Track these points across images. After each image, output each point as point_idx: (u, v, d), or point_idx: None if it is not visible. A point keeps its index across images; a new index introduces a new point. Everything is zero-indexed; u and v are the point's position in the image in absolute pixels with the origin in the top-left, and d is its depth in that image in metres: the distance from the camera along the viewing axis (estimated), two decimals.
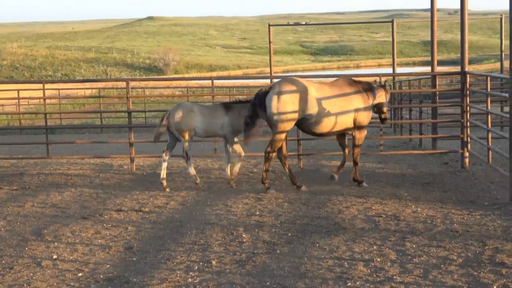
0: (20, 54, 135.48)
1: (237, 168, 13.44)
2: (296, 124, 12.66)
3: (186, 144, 13.03)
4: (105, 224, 10.22)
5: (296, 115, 12.39)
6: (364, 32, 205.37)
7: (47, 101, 23.41)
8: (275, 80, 14.79)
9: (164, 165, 13.21)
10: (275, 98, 12.28)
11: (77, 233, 9.72)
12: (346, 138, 13.71)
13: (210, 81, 20.43)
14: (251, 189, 12.93)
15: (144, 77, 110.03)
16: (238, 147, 13.32)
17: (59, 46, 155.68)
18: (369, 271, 7.61)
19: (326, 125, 12.68)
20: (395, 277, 7.41)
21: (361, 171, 14.89)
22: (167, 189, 13.04)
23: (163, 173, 13.22)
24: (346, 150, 13.79)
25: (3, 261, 8.31)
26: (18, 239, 9.43)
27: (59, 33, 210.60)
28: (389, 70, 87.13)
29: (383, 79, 14.74)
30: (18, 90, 33.32)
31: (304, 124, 12.64)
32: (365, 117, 13.21)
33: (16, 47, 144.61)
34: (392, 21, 30.18)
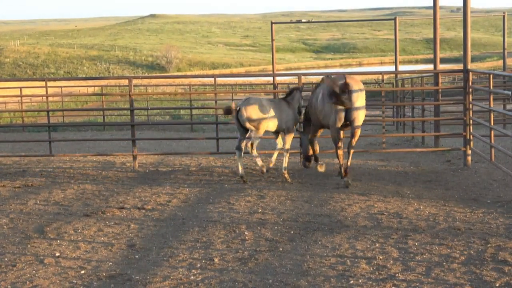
0: (22, 51, 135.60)
1: (286, 161, 13.73)
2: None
3: (257, 140, 13.23)
4: (107, 222, 10.23)
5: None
6: (367, 30, 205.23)
7: (50, 98, 23.29)
8: (278, 78, 14.91)
9: (241, 160, 13.39)
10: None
11: (79, 230, 9.73)
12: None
13: (212, 78, 20.42)
14: (253, 186, 12.93)
15: (146, 74, 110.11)
16: (289, 141, 13.70)
17: (61, 43, 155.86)
18: (371, 269, 7.62)
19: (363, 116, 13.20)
20: (397, 275, 7.41)
21: (363, 169, 14.92)
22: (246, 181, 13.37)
23: (241, 169, 13.42)
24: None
25: (6, 259, 8.32)
26: (21, 237, 9.44)
27: (61, 31, 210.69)
28: (391, 68, 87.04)
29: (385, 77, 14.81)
30: (20, 88, 33.38)
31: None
32: None
33: (19, 45, 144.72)
34: (394, 19, 30.06)
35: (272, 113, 13.11)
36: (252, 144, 13.07)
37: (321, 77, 14.50)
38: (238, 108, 12.98)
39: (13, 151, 20.38)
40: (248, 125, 12.92)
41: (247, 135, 13.11)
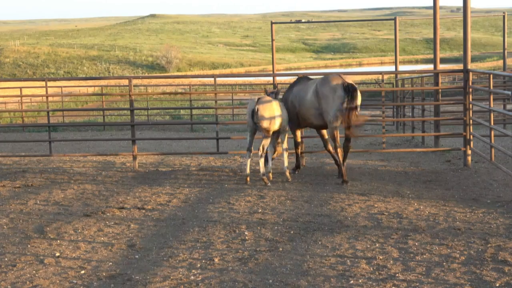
0: (22, 51, 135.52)
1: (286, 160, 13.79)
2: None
3: (269, 140, 13.23)
4: (107, 222, 10.23)
5: None
6: (367, 30, 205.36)
7: (50, 98, 23.38)
8: (278, 78, 15.09)
9: (248, 162, 13.47)
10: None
11: (79, 230, 9.73)
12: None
13: (212, 78, 20.41)
14: (253, 186, 12.93)
15: (146, 74, 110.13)
16: (286, 139, 13.81)
17: (61, 43, 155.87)
18: (371, 269, 7.62)
19: None
20: (397, 275, 7.42)
21: (363, 169, 14.92)
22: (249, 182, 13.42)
23: (248, 170, 13.49)
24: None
25: (6, 259, 8.32)
26: (21, 237, 9.44)
27: (61, 31, 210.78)
28: (391, 68, 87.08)
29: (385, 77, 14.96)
30: (20, 88, 33.40)
31: None
32: None
33: (19, 45, 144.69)
34: (394, 19, 30.06)
35: (279, 112, 13.16)
36: (263, 147, 13.10)
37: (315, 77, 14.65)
38: (254, 107, 12.96)
39: (13, 151, 20.38)
40: (263, 124, 12.91)
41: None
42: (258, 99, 13.20)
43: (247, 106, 13.82)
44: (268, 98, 13.26)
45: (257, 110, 12.84)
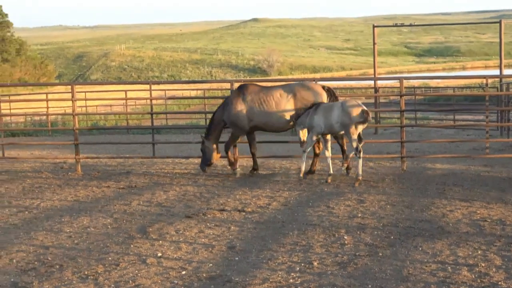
0: (128, 55, 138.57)
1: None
2: None
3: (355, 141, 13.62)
4: (208, 224, 10.36)
5: None
6: (471, 33, 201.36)
7: (154, 101, 23.70)
8: (379, 82, 15.12)
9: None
10: None
11: (181, 231, 9.88)
12: None
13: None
14: (353, 191, 12.87)
15: (248, 78, 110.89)
16: None
17: (165, 47, 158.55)
18: (473, 276, 7.49)
19: None
20: (500, 283, 7.27)
21: (466, 174, 14.66)
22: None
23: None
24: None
25: (110, 258, 8.52)
26: (124, 237, 9.65)
27: (166, 35, 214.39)
28: (496, 72, 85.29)
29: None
30: (125, 91, 34.10)
31: None
32: None
33: (124, 49, 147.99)
34: (499, 22, 29.45)
35: None
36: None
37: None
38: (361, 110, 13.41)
39: (118, 152, 20.81)
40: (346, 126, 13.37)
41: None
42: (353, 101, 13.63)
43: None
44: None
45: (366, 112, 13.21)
